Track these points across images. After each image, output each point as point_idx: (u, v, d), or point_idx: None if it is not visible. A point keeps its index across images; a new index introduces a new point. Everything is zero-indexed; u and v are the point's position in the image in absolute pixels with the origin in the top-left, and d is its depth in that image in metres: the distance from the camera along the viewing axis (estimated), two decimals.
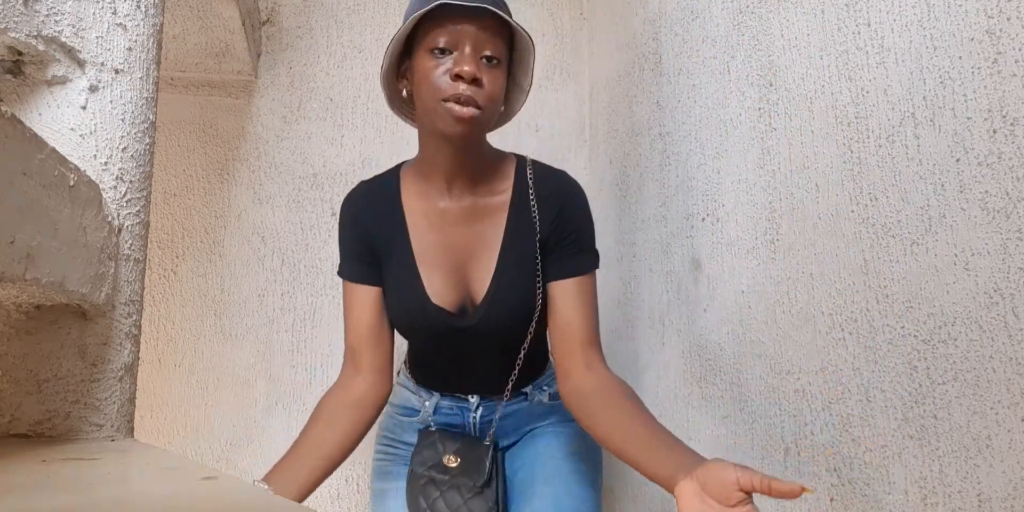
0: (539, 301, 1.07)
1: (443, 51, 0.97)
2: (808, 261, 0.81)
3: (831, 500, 0.76)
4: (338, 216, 1.14)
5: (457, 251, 1.08)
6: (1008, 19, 0.56)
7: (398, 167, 1.15)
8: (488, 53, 0.97)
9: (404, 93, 1.06)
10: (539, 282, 1.07)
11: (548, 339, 1.18)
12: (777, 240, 0.88)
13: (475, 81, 0.95)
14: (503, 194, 1.09)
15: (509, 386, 1.14)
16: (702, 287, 1.07)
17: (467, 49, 0.96)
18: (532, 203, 1.08)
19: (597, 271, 1.09)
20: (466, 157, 1.05)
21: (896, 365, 0.67)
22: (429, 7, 0.95)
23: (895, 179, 0.68)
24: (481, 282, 1.07)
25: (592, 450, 1.19)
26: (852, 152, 0.74)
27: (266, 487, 0.95)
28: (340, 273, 1.13)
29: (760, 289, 0.91)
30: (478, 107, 0.96)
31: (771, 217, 0.89)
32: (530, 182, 1.09)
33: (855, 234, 0.73)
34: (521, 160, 1.12)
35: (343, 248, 1.13)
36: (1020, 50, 0.55)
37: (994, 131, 0.57)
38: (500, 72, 0.99)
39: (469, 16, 0.96)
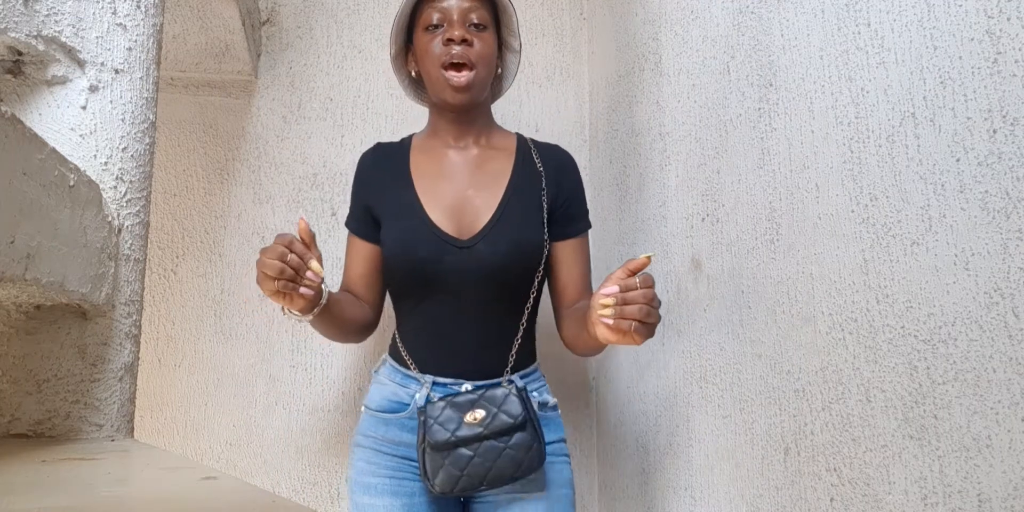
0: (546, 246, 1.15)
1: (436, 27, 1.13)
2: (808, 261, 0.81)
3: (831, 500, 0.76)
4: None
5: (461, 189, 1.17)
6: (1008, 19, 0.56)
7: (410, 135, 1.28)
8: (475, 20, 1.13)
9: (413, 74, 1.22)
10: (545, 227, 1.16)
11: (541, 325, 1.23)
12: (777, 240, 0.88)
13: (464, 41, 1.11)
14: (508, 149, 1.22)
15: (509, 366, 1.13)
16: (702, 287, 1.07)
17: (455, 19, 1.12)
18: (537, 161, 1.21)
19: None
20: (471, 121, 1.20)
21: (896, 365, 0.67)
22: None
23: (895, 179, 0.68)
24: (484, 213, 1.15)
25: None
26: (852, 152, 0.74)
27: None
28: (346, 223, 1.25)
29: (760, 289, 0.91)
30: (471, 67, 1.11)
31: (771, 217, 0.89)
32: (532, 145, 1.24)
33: (855, 234, 0.73)
34: (520, 135, 1.27)
35: (351, 201, 1.25)
36: (1020, 50, 0.55)
37: (994, 131, 0.57)
38: (488, 35, 1.15)
39: None
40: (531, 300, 1.16)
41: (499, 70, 1.22)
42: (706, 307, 1.06)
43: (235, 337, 1.57)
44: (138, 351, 0.71)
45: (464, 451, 1.03)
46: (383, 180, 1.20)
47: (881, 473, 0.69)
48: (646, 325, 0.88)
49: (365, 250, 1.20)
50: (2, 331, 0.63)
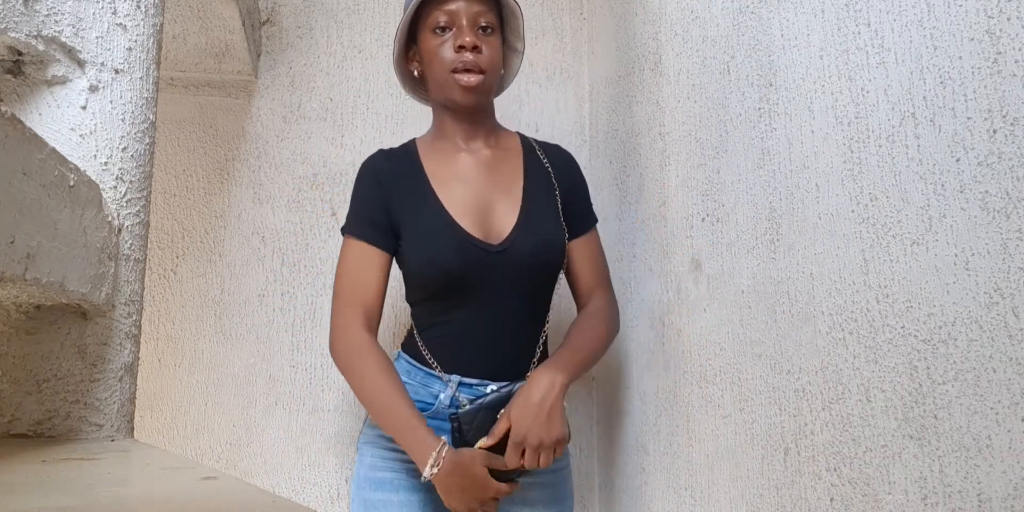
0: (566, 241, 1.19)
1: (444, 29, 1.12)
2: (808, 261, 0.81)
3: (831, 500, 0.76)
4: (356, 178, 1.21)
5: (481, 193, 1.17)
6: (1008, 19, 0.56)
7: (412, 140, 1.26)
8: (483, 23, 1.12)
9: (416, 74, 1.21)
10: (563, 225, 1.19)
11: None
12: (777, 240, 0.88)
13: (475, 49, 1.10)
14: (514, 148, 1.24)
15: (534, 365, 1.15)
16: (702, 287, 1.07)
17: (464, 23, 1.11)
18: (542, 156, 1.24)
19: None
20: (478, 121, 1.20)
21: (896, 365, 0.67)
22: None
23: (895, 179, 0.68)
24: (509, 216, 1.16)
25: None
26: (852, 152, 0.74)
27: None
28: (349, 231, 1.16)
29: (760, 289, 0.91)
30: (481, 72, 1.11)
31: (771, 217, 0.89)
32: (534, 143, 1.27)
33: (855, 234, 0.73)
34: (520, 134, 1.29)
35: (356, 208, 1.17)
36: (1020, 50, 0.55)
37: (994, 131, 0.57)
38: (495, 39, 1.15)
39: None
40: (551, 302, 1.21)
41: (502, 70, 1.22)
42: (706, 307, 1.06)
43: (235, 337, 1.57)
44: (138, 351, 0.71)
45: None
46: (398, 186, 1.16)
47: (881, 473, 0.69)
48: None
49: (381, 260, 1.14)
50: (2, 331, 0.63)
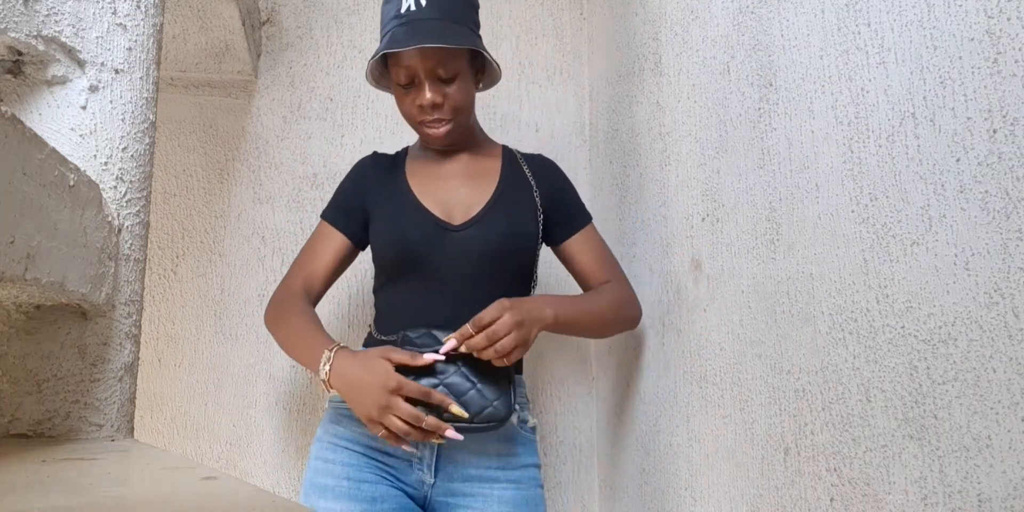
0: (539, 240, 1.18)
1: (407, 85, 1.13)
2: (808, 261, 0.81)
3: (831, 500, 0.76)
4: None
5: (453, 186, 1.20)
6: (1008, 19, 0.56)
7: (405, 147, 1.31)
8: (442, 76, 1.11)
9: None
10: (539, 224, 1.19)
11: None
12: (777, 240, 0.88)
13: (435, 106, 1.12)
14: (495, 155, 1.26)
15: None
16: (702, 287, 1.07)
17: (423, 80, 1.11)
18: (524, 166, 1.25)
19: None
20: (457, 144, 1.22)
21: (896, 365, 0.67)
22: (374, 57, 1.11)
23: (895, 179, 0.68)
24: (477, 204, 1.17)
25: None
26: (852, 152, 0.74)
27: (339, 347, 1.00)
28: (322, 215, 1.24)
29: (760, 289, 0.91)
30: (448, 120, 1.14)
31: (771, 217, 0.89)
32: (517, 154, 1.28)
33: (855, 234, 0.73)
34: (505, 146, 1.30)
35: (336, 196, 1.25)
36: (1020, 50, 0.55)
37: (994, 131, 0.57)
38: (459, 81, 1.13)
39: (413, 53, 1.09)
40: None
41: (480, 85, 1.23)
42: (706, 307, 1.06)
43: (235, 337, 1.57)
44: (138, 351, 0.71)
45: (430, 380, 1.00)
46: (380, 179, 1.22)
47: (881, 473, 0.69)
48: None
49: (339, 241, 1.19)
50: (2, 331, 0.63)
